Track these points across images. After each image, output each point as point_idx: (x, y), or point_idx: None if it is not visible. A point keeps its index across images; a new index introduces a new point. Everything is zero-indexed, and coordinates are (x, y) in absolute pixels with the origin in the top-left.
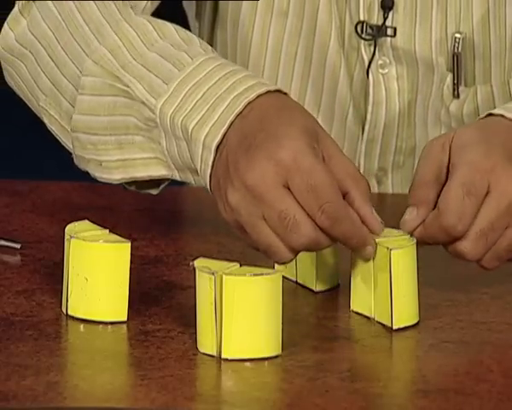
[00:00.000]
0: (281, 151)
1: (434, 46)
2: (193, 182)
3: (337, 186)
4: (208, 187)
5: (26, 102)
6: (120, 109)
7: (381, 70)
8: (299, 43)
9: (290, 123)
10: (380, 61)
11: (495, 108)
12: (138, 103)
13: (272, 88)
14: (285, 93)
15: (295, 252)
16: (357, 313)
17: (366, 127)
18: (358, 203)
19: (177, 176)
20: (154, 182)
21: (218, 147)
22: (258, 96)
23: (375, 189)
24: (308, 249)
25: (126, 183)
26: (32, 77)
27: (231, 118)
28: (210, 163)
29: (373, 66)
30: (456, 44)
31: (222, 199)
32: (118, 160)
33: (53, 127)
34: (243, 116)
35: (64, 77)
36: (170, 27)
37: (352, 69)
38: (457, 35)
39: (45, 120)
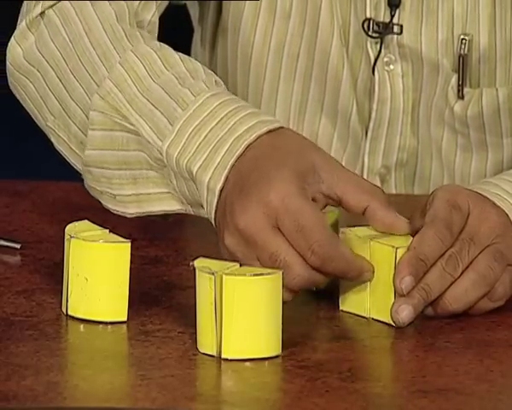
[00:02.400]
0: (269, 194)
1: (440, 46)
2: (206, 216)
3: (326, 225)
4: (215, 227)
5: (34, 118)
6: (133, 145)
7: (386, 67)
8: (301, 44)
9: (282, 164)
10: (385, 59)
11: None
12: (146, 143)
13: (273, 126)
14: (288, 129)
15: (292, 292)
16: (347, 313)
17: (370, 125)
18: (381, 213)
19: (190, 211)
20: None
21: (221, 190)
22: (259, 138)
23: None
24: (304, 288)
25: None
26: (40, 96)
27: (232, 161)
28: (214, 206)
29: (379, 63)
30: (463, 46)
31: (220, 240)
32: (132, 194)
33: (61, 148)
34: (243, 157)
35: (73, 101)
36: (175, 56)
37: (357, 68)
38: (464, 37)
39: (53, 140)
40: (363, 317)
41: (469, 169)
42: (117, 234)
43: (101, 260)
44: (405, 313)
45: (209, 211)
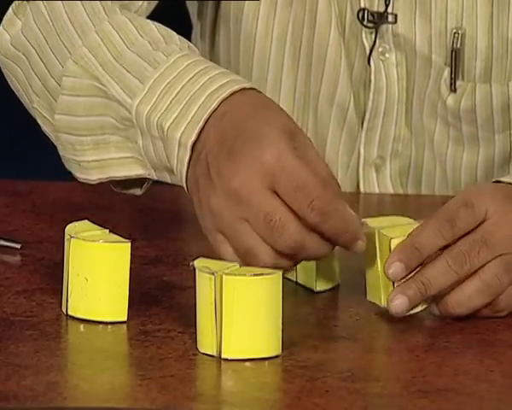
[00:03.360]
0: (264, 154)
1: (434, 39)
2: (169, 181)
3: (324, 182)
4: (185, 186)
5: (23, 103)
6: (98, 110)
7: (381, 57)
8: (303, 34)
9: (268, 123)
10: (380, 48)
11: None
12: (115, 103)
13: (247, 85)
14: (259, 91)
15: (278, 256)
16: (373, 303)
17: (367, 116)
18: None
19: (153, 175)
20: (137, 182)
21: (193, 145)
22: (232, 94)
23: (373, 178)
24: (294, 252)
25: (112, 183)
26: (26, 79)
27: (205, 116)
28: (186, 162)
29: (374, 53)
30: (455, 40)
31: (201, 203)
32: (94, 160)
33: (46, 128)
34: (220, 115)
35: (52, 78)
36: (150, 25)
37: (352, 58)
38: (457, 31)
39: (39, 122)
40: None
41: (461, 162)
42: (117, 234)
43: (101, 260)
44: (399, 301)
45: (179, 169)
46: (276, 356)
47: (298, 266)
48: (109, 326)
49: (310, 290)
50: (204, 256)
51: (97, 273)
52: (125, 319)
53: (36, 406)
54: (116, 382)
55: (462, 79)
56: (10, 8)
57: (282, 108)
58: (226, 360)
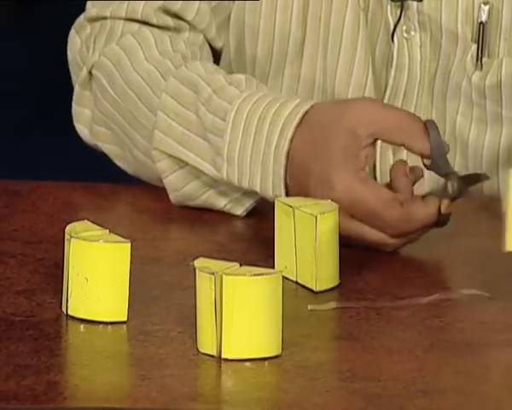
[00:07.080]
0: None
1: (460, 15)
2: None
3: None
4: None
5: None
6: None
7: (405, 34)
8: (322, 7)
9: (331, 162)
10: (404, 26)
11: None
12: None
13: (300, 116)
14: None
15: None
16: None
17: (387, 93)
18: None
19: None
20: None
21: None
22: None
23: (390, 160)
24: None
25: None
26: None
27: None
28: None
29: (398, 30)
30: (483, 13)
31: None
32: None
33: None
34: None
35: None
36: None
37: (376, 34)
38: (484, 4)
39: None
40: None
41: (483, 143)
42: (117, 234)
43: (101, 260)
44: None
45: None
46: (276, 356)
47: (298, 265)
48: (109, 326)
49: (310, 290)
50: (204, 256)
51: (97, 273)
52: (125, 319)
53: (36, 406)
54: (116, 382)
55: (488, 55)
56: (76, 86)
57: (338, 121)
58: (226, 360)
